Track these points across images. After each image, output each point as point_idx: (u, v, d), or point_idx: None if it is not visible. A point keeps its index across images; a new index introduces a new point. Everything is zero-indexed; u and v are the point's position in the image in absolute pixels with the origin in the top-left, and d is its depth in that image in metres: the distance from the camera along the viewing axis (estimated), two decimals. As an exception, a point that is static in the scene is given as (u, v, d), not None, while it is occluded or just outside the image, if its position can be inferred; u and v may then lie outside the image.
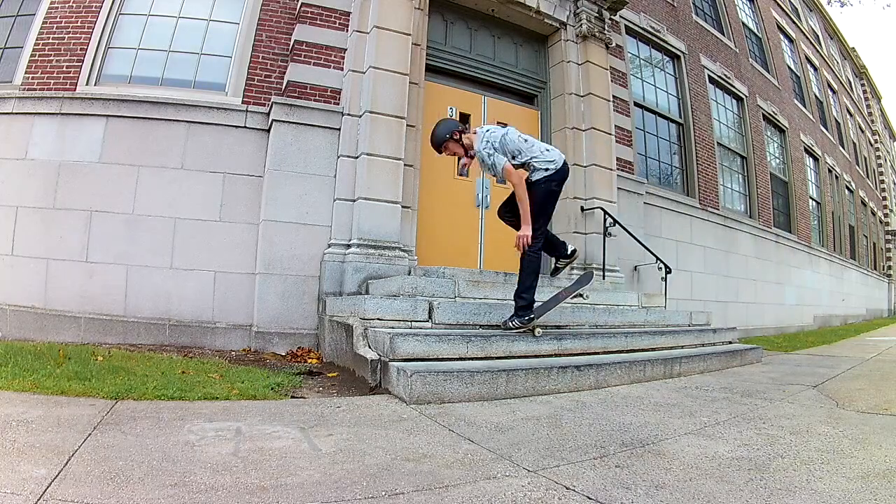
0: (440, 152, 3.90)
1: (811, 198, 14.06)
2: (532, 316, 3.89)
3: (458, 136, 3.79)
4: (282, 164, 5.13)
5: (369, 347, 3.62)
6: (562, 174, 3.83)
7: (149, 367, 3.52)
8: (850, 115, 20.11)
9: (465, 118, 6.41)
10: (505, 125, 4.01)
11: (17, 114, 5.08)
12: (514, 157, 3.74)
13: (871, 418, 2.91)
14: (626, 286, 6.75)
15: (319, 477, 1.80)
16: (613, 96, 7.25)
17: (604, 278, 6.38)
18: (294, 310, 5.00)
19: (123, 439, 2.06)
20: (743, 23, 12.13)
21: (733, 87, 10.81)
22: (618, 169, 7.14)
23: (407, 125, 5.40)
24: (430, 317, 4.02)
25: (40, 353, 3.57)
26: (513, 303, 3.98)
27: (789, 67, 14.34)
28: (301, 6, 5.57)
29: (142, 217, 5.00)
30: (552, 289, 5.30)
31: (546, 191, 3.78)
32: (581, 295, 4.42)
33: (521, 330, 3.89)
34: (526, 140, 3.83)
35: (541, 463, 2.04)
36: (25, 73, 5.26)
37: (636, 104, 8.42)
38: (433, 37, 6.25)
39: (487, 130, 3.81)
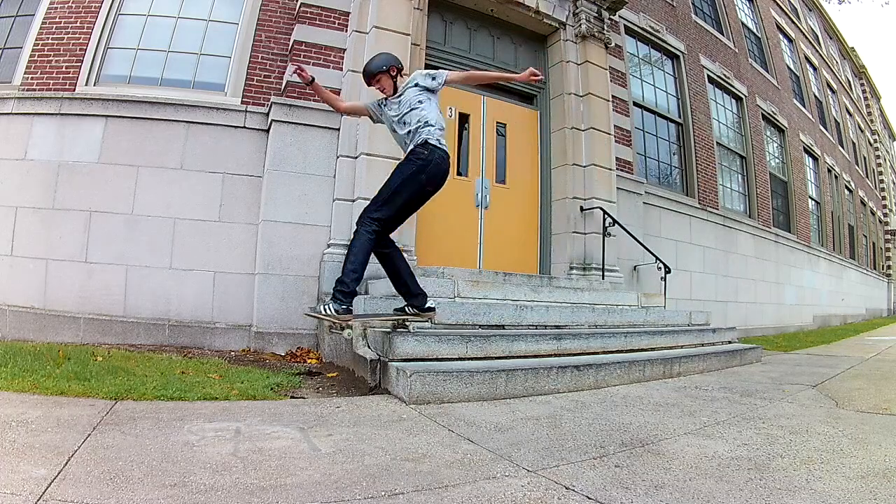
0: (370, 84, 3.57)
1: (810, 197, 14.06)
2: (347, 307, 3.19)
3: (394, 73, 3.50)
4: (281, 165, 5.13)
5: (368, 347, 3.61)
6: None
7: (148, 367, 3.52)
8: (850, 114, 20.12)
9: (464, 118, 6.41)
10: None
11: (16, 114, 5.07)
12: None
13: (871, 418, 2.91)
14: (625, 286, 6.75)
15: (319, 477, 1.80)
16: (613, 96, 7.25)
17: (603, 278, 6.39)
18: (293, 310, 4.99)
19: (123, 439, 2.06)
20: (742, 23, 12.13)
21: (732, 86, 10.81)
22: (617, 169, 7.14)
23: (406, 125, 5.39)
24: (429, 317, 4.01)
25: (40, 354, 3.57)
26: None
27: (788, 67, 14.34)
28: (300, 6, 5.57)
29: (141, 217, 4.99)
30: (540, 287, 5.30)
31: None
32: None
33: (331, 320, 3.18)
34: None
35: (540, 463, 2.04)
36: (25, 73, 5.25)
37: (635, 104, 8.41)
38: (432, 37, 6.24)
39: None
